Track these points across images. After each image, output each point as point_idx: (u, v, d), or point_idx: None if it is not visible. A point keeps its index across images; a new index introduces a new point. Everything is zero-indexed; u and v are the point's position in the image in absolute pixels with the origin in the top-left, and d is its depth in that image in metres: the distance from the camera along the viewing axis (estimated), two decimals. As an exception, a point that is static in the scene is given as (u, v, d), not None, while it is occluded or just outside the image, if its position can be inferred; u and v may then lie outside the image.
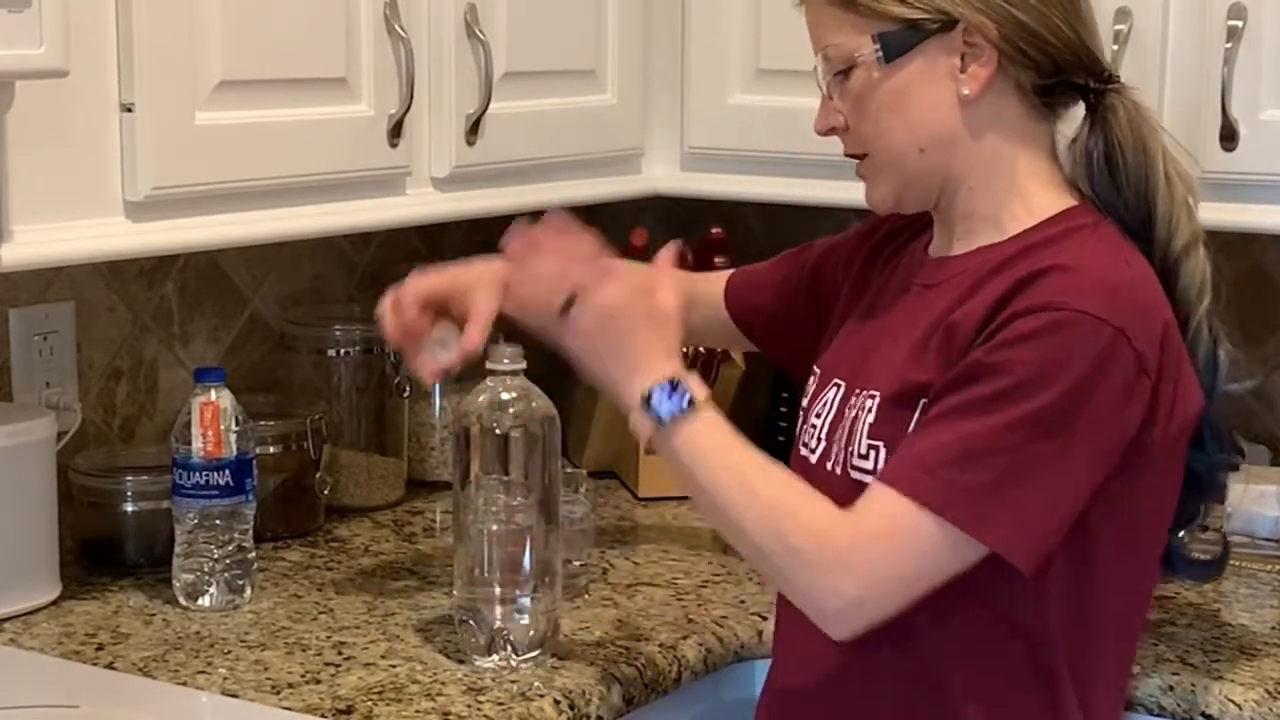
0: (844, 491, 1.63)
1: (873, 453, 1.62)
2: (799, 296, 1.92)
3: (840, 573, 1.53)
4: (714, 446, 1.59)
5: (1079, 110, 1.67)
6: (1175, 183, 1.64)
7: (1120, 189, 1.64)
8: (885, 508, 1.53)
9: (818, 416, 1.72)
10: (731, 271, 2.04)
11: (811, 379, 1.77)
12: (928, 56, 1.61)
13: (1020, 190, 1.65)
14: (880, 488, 1.54)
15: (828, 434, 1.70)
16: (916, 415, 1.58)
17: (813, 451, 1.71)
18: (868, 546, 1.53)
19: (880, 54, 1.62)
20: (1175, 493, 1.65)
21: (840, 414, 1.69)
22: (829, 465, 1.68)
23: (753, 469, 1.58)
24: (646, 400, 1.58)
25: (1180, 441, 1.61)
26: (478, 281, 1.82)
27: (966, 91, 1.62)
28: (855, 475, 1.64)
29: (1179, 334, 1.60)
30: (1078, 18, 1.64)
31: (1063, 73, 1.63)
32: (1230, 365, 1.68)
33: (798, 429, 1.76)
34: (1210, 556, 1.95)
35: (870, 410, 1.63)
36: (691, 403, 1.58)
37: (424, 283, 1.84)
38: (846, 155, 1.70)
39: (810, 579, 1.55)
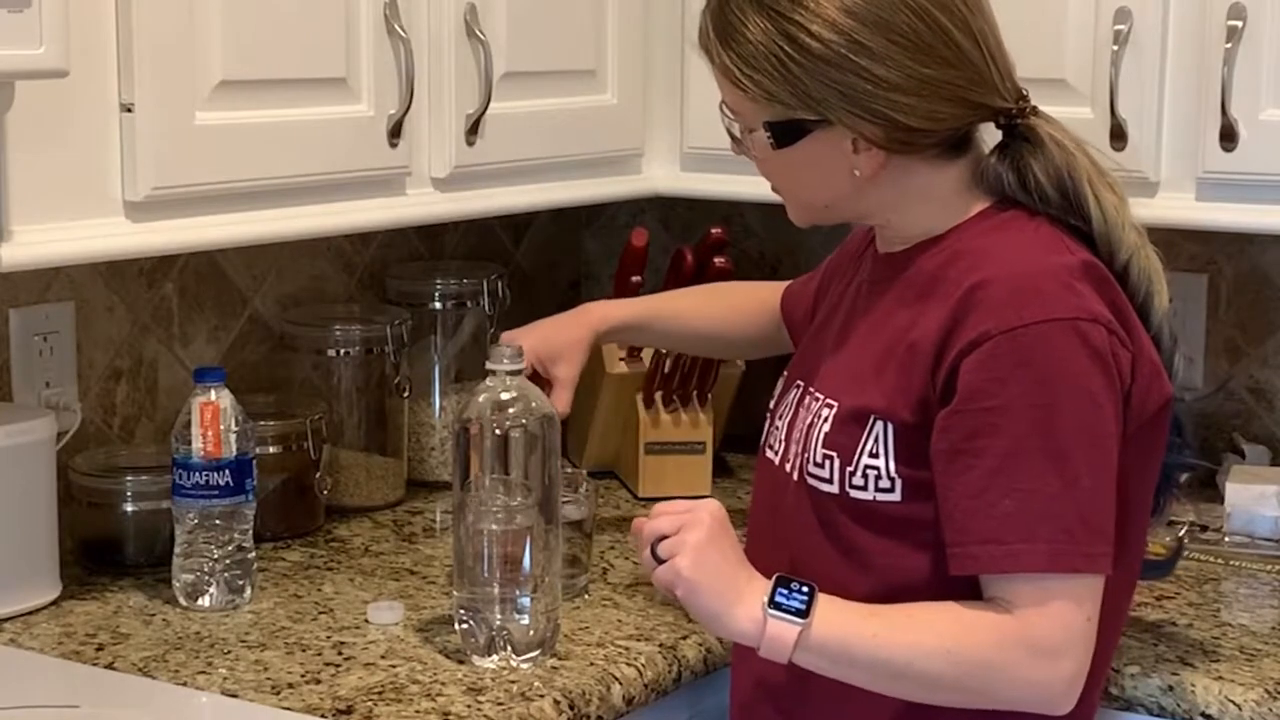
0: (800, 496, 1.67)
1: (828, 462, 1.64)
2: (813, 301, 1.93)
3: (1043, 663, 1.54)
4: (855, 617, 1.57)
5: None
6: (1105, 198, 1.63)
7: (1044, 205, 1.63)
8: (1021, 589, 1.53)
9: (780, 419, 1.74)
10: (788, 284, 2.06)
11: (781, 380, 1.79)
12: (819, 141, 1.62)
13: (941, 207, 1.66)
14: (1000, 577, 1.54)
15: (787, 435, 1.72)
16: (865, 433, 1.60)
17: (776, 453, 1.74)
18: (1042, 627, 1.53)
19: (770, 140, 1.63)
20: (1152, 485, 1.66)
21: (797, 415, 1.70)
22: (788, 468, 1.70)
23: (898, 619, 1.57)
24: (777, 606, 1.55)
25: (1154, 429, 1.62)
26: (564, 351, 1.99)
27: (858, 173, 1.62)
28: (811, 482, 1.66)
29: (1135, 316, 1.61)
30: (973, 81, 1.60)
31: (965, 127, 1.63)
32: (1183, 374, 1.70)
33: (765, 429, 1.78)
34: (1162, 556, 1.96)
35: (827, 420, 1.65)
36: (811, 590, 1.57)
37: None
38: None
39: (1022, 683, 1.55)
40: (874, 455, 1.60)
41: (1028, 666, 1.54)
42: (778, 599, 1.56)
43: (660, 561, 1.60)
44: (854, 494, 1.62)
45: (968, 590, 1.57)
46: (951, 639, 1.55)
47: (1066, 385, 1.53)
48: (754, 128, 1.65)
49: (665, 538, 1.60)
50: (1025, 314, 1.53)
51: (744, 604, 1.57)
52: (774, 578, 1.57)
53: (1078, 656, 1.55)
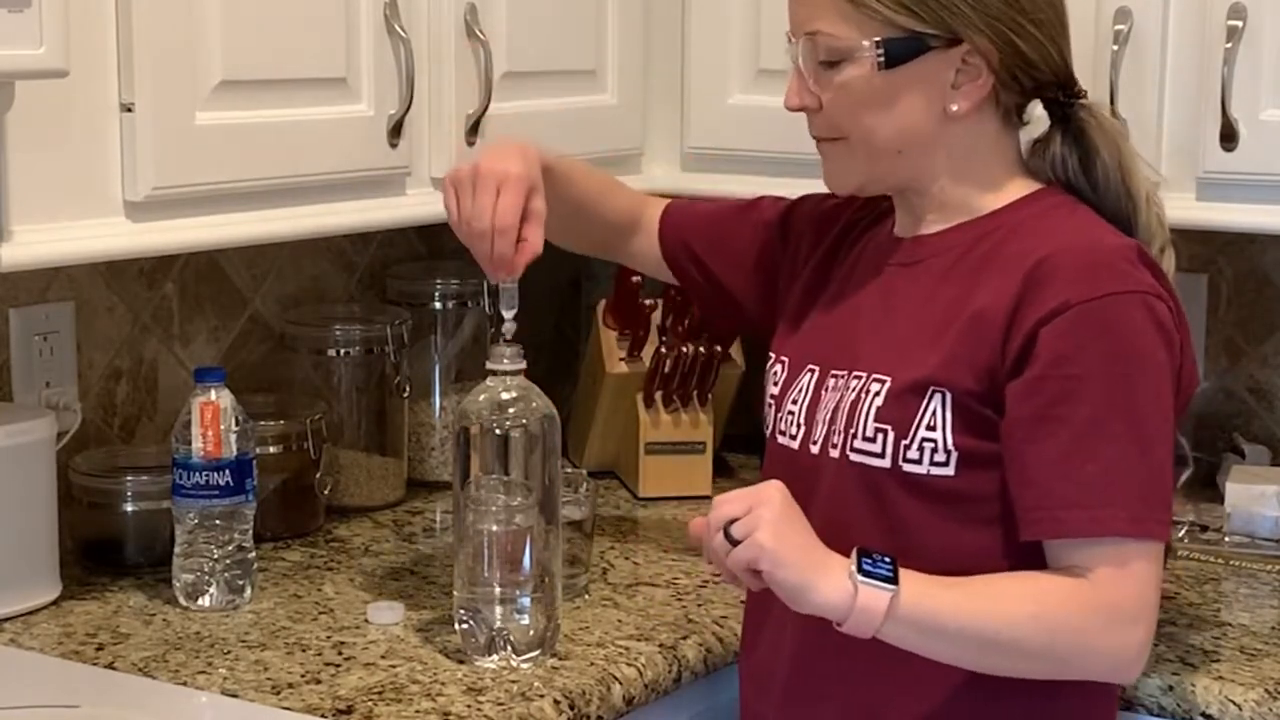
0: (840, 475, 1.66)
1: (880, 436, 1.63)
2: (765, 249, 1.90)
3: (1120, 628, 1.55)
4: (938, 587, 1.56)
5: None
6: (1152, 196, 1.68)
7: (1099, 192, 1.67)
8: (1100, 555, 1.54)
9: (794, 403, 1.74)
10: (668, 202, 2.01)
11: (778, 367, 1.79)
12: (925, 67, 1.62)
13: (992, 182, 1.68)
14: (1078, 543, 1.55)
15: (807, 419, 1.71)
16: (923, 405, 1.61)
17: (793, 439, 1.73)
18: (1120, 592, 1.54)
19: (881, 59, 1.62)
20: None
21: (818, 398, 1.70)
22: (814, 449, 1.70)
23: (981, 588, 1.57)
24: (866, 574, 1.53)
25: (1178, 416, 1.63)
26: (539, 182, 1.81)
27: (955, 108, 1.63)
28: (855, 458, 1.65)
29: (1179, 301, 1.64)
30: (1067, 42, 1.66)
31: (1041, 91, 1.67)
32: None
33: (772, 418, 1.77)
34: None
35: (879, 394, 1.64)
36: (893, 560, 1.55)
37: (516, 203, 1.79)
38: (814, 136, 1.70)
39: (1100, 648, 1.56)
40: (931, 428, 1.61)
41: (1106, 632, 1.55)
42: (865, 567, 1.54)
43: (735, 543, 1.56)
44: (907, 467, 1.62)
45: (1017, 567, 1.58)
46: (1037, 605, 1.55)
47: (1142, 356, 1.56)
48: (852, 53, 1.62)
49: (734, 521, 1.57)
50: (1102, 285, 1.56)
51: (828, 574, 1.54)
52: (855, 549, 1.56)
53: (1150, 622, 1.56)
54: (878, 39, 1.61)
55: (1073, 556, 1.56)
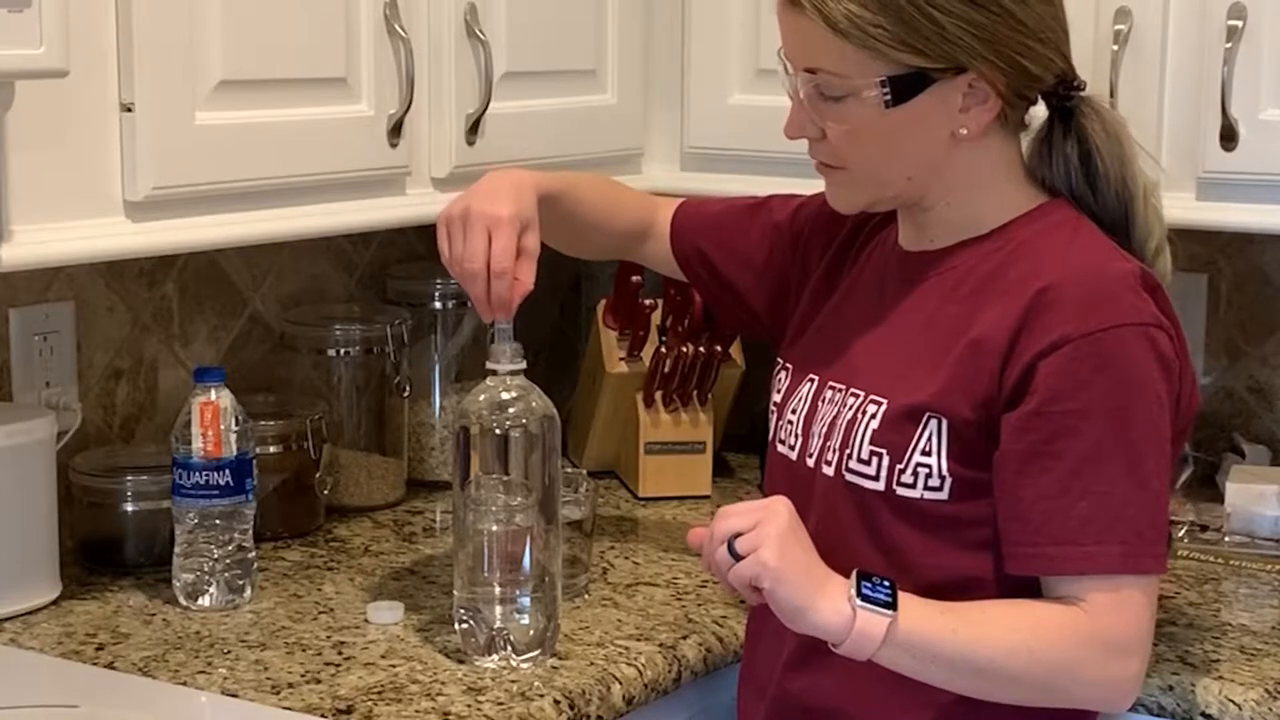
0: (835, 493, 1.66)
1: (875, 459, 1.63)
2: (775, 252, 1.90)
3: (1114, 660, 1.55)
4: (935, 613, 1.56)
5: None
6: (1150, 191, 1.67)
7: (1098, 191, 1.66)
8: (1095, 585, 1.55)
9: (793, 413, 1.73)
10: (679, 204, 2.00)
11: (783, 374, 1.78)
12: (931, 98, 1.59)
13: (998, 194, 1.66)
14: (1077, 578, 1.55)
15: (804, 429, 1.71)
16: (919, 431, 1.60)
17: (791, 449, 1.72)
18: (1115, 623, 1.55)
19: (888, 98, 1.59)
20: None
21: (815, 409, 1.70)
22: (809, 462, 1.69)
23: (977, 616, 1.57)
24: (865, 598, 1.53)
25: (1181, 439, 1.63)
26: (533, 218, 1.78)
27: (964, 131, 1.61)
28: (850, 479, 1.65)
29: (1180, 325, 1.63)
30: (1068, 44, 1.64)
31: (1056, 84, 1.65)
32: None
33: (773, 425, 1.77)
34: None
35: (874, 417, 1.63)
36: (892, 584, 1.55)
37: (510, 246, 1.76)
38: (814, 158, 1.68)
39: (1094, 680, 1.56)
40: (926, 453, 1.60)
41: (1102, 664, 1.55)
42: (864, 591, 1.54)
43: (738, 558, 1.56)
44: (901, 491, 1.61)
45: (1008, 591, 1.58)
46: (1032, 636, 1.55)
47: (1140, 389, 1.55)
48: (858, 89, 1.59)
49: (738, 535, 1.56)
50: (1102, 318, 1.54)
51: (828, 597, 1.54)
52: (854, 572, 1.56)
53: (1144, 654, 1.57)
54: (881, 79, 1.58)
55: (1069, 587, 1.56)
